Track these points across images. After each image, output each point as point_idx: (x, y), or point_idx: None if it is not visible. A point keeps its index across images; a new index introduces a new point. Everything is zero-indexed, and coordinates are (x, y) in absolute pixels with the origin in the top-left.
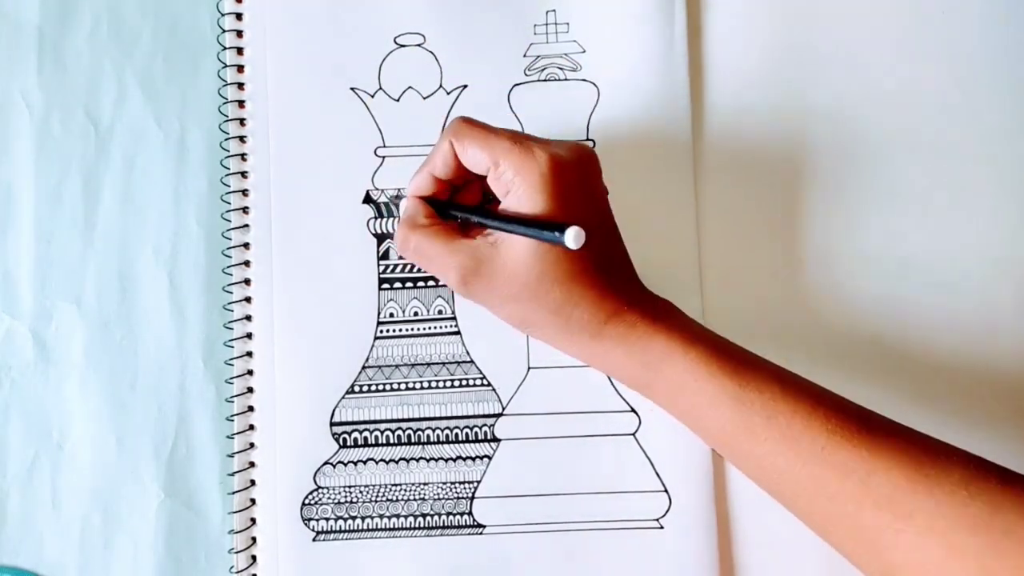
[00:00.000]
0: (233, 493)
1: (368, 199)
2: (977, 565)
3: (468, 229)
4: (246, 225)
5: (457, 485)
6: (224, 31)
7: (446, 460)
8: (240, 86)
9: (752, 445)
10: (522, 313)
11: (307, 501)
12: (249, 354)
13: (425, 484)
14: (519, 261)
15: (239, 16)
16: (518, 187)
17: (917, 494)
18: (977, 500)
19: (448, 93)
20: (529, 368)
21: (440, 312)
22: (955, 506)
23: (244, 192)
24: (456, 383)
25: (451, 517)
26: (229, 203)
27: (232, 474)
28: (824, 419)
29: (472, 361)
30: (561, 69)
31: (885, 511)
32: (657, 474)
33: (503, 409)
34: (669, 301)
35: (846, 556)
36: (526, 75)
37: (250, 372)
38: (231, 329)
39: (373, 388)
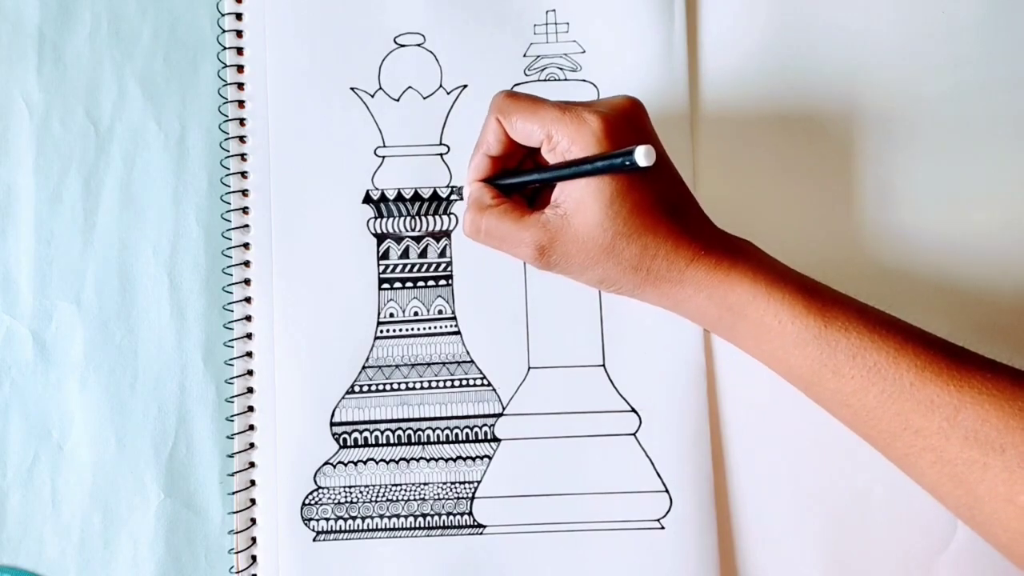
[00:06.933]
0: (233, 493)
1: (368, 199)
2: None
3: (535, 205)
4: (246, 225)
5: (457, 485)
6: (224, 31)
7: (446, 460)
8: (240, 86)
9: (838, 384)
10: (602, 274)
11: (307, 501)
12: (249, 354)
13: (425, 484)
14: (592, 225)
15: (239, 16)
16: (575, 155)
17: (1009, 428)
18: None
19: (448, 93)
20: (529, 368)
21: (440, 312)
22: None
23: (244, 192)
24: (456, 383)
25: (451, 517)
26: (229, 203)
27: (232, 474)
28: (913, 355)
29: (472, 361)
30: (561, 69)
31: (973, 446)
32: (657, 474)
33: (503, 409)
34: (747, 240)
35: (927, 488)
36: (526, 75)
37: (250, 372)
38: (231, 329)
39: (373, 388)
